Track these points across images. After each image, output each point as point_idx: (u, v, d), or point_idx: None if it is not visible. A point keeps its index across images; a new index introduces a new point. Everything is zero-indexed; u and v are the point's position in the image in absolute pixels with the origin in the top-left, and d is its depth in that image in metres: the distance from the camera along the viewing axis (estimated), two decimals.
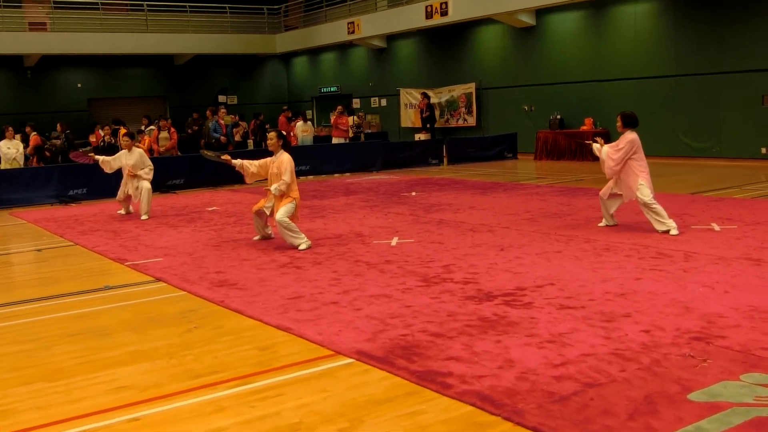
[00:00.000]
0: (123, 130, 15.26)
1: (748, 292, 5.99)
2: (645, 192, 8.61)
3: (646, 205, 8.62)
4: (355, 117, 23.26)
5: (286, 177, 8.54)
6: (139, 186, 11.76)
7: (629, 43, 19.14)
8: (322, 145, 20.47)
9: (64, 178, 14.87)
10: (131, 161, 11.85)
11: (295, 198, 8.65)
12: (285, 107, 22.56)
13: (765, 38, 16.24)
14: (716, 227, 8.94)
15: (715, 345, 4.74)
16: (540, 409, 3.88)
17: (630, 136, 8.74)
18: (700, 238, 8.33)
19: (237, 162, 9.13)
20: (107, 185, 12.81)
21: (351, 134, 21.96)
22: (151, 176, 11.90)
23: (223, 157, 9.52)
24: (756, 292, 5.96)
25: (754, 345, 4.71)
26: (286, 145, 8.92)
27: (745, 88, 16.67)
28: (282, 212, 8.50)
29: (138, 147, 12.19)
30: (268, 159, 8.89)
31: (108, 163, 12.12)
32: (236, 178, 16.23)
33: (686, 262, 7.12)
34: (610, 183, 9.08)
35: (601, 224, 9.33)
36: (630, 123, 8.84)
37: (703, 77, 17.50)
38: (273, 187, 8.56)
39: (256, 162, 9.05)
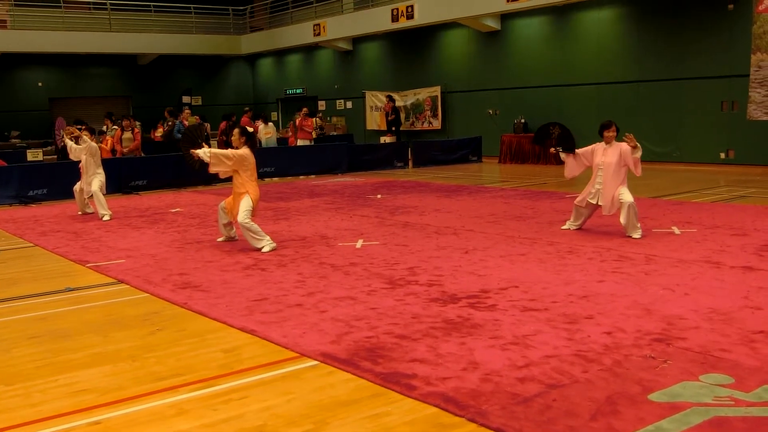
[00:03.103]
0: (83, 127, 15.01)
1: (708, 294, 6.10)
2: (628, 195, 8.65)
3: (631, 206, 8.62)
4: (316, 119, 23.22)
5: (232, 155, 8.59)
6: (90, 187, 11.67)
7: (592, 49, 19.38)
8: (287, 147, 20.39)
9: (24, 178, 14.62)
10: (83, 156, 11.80)
11: (249, 192, 8.60)
12: (247, 108, 22.43)
13: (725, 45, 16.56)
14: (676, 231, 9.08)
15: (675, 346, 4.82)
16: (504, 410, 3.90)
17: (621, 144, 8.73)
18: (660, 241, 8.46)
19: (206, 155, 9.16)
20: (68, 186, 12.62)
21: (314, 136, 21.90)
22: (98, 181, 11.77)
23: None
24: (715, 295, 6.07)
25: (713, 346, 4.79)
26: (251, 143, 8.82)
27: (706, 94, 16.98)
28: (243, 214, 8.46)
29: (91, 142, 11.96)
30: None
31: (73, 149, 12.01)
32: (200, 179, 16.22)
33: (647, 265, 7.22)
34: (587, 191, 9.04)
35: (564, 227, 9.42)
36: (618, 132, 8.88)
37: (664, 83, 17.79)
38: (196, 151, 8.72)
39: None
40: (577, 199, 9.23)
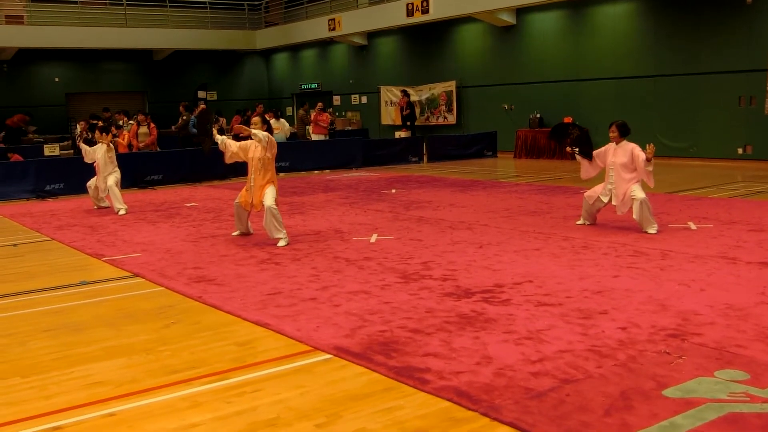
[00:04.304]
0: (100, 123, 15.09)
1: (724, 290, 6.05)
2: (640, 192, 8.61)
3: (643, 202, 8.59)
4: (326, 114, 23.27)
5: (271, 149, 8.59)
6: (106, 184, 11.73)
7: (608, 43, 19.26)
8: (301, 141, 20.41)
9: (41, 172, 14.72)
10: (99, 156, 11.86)
11: (273, 181, 8.71)
12: (259, 104, 22.41)
13: (742, 39, 16.40)
14: (693, 226, 9.02)
15: (691, 342, 4.79)
16: (517, 404, 3.89)
17: (636, 146, 8.71)
18: (676, 236, 8.41)
19: (219, 138, 9.19)
20: (84, 180, 12.68)
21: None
22: (114, 177, 11.83)
23: (216, 139, 9.41)
24: (731, 290, 6.02)
25: (729, 342, 4.76)
26: (269, 131, 8.88)
27: (722, 89, 16.83)
28: (270, 199, 8.51)
29: (106, 142, 12.00)
30: (249, 141, 8.87)
31: (87, 153, 12.08)
32: (215, 174, 16.28)
33: (663, 260, 7.18)
34: (598, 188, 9.04)
35: (579, 222, 9.38)
36: (626, 132, 8.83)
37: (681, 78, 17.65)
38: (255, 132, 8.50)
39: (236, 143, 9.09)
40: (587, 192, 9.21)
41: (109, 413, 4.02)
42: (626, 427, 3.59)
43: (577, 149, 9.29)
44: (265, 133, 8.55)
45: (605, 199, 8.95)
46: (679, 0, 17.63)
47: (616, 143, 8.84)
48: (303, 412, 3.93)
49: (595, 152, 9.16)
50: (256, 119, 8.89)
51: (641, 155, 8.60)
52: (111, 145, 11.94)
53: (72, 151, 19.10)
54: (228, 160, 9.18)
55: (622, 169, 8.74)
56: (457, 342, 4.92)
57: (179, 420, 3.90)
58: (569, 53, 20.20)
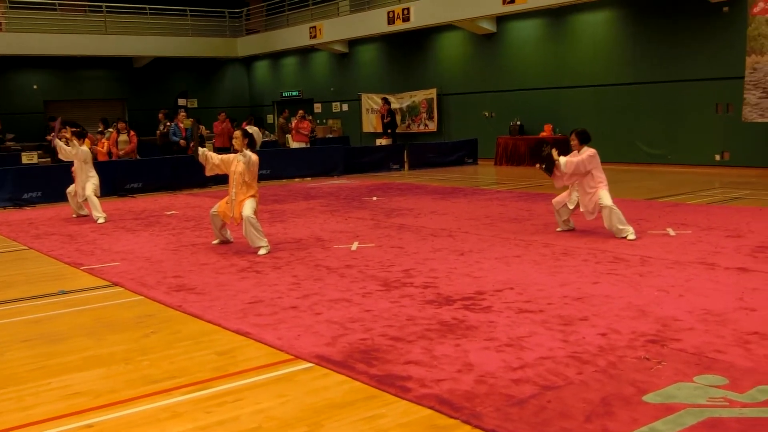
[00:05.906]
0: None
1: (702, 295, 6.10)
2: (607, 198, 8.71)
3: (611, 209, 8.66)
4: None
5: (251, 172, 8.64)
6: (84, 192, 11.65)
7: (588, 51, 19.41)
8: (282, 149, 20.38)
9: (19, 180, 14.58)
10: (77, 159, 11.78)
11: (255, 195, 8.69)
12: (221, 113, 22.12)
13: (719, 48, 16.59)
14: (671, 232, 9.09)
15: (670, 347, 4.82)
16: (498, 412, 3.90)
17: (590, 150, 8.83)
18: (655, 242, 8.46)
19: (200, 150, 9.13)
20: (63, 188, 12.58)
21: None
22: (92, 184, 11.75)
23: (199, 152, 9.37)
24: (710, 296, 6.07)
25: (708, 347, 4.79)
26: (251, 145, 8.87)
27: (700, 96, 17.00)
28: (249, 209, 8.48)
29: (81, 147, 11.91)
30: (232, 155, 8.86)
31: (62, 149, 11.93)
32: (195, 182, 16.20)
33: (642, 267, 7.22)
34: (564, 194, 9.21)
35: (559, 229, 9.44)
36: (586, 139, 8.95)
37: (659, 85, 17.81)
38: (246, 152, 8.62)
39: (218, 156, 9.05)
40: (554, 199, 9.41)
41: (88, 425, 3.98)
42: None
43: (543, 165, 9.36)
44: (254, 159, 8.60)
45: (572, 206, 9.15)
46: (656, 8, 17.81)
47: (578, 151, 8.94)
48: (285, 421, 3.91)
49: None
50: (237, 133, 8.86)
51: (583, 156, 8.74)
52: (86, 150, 11.85)
53: (50, 159, 18.95)
54: (208, 172, 9.16)
55: (583, 176, 8.85)
56: (438, 349, 4.92)
57: (159, 430, 3.87)
58: (549, 61, 20.33)
